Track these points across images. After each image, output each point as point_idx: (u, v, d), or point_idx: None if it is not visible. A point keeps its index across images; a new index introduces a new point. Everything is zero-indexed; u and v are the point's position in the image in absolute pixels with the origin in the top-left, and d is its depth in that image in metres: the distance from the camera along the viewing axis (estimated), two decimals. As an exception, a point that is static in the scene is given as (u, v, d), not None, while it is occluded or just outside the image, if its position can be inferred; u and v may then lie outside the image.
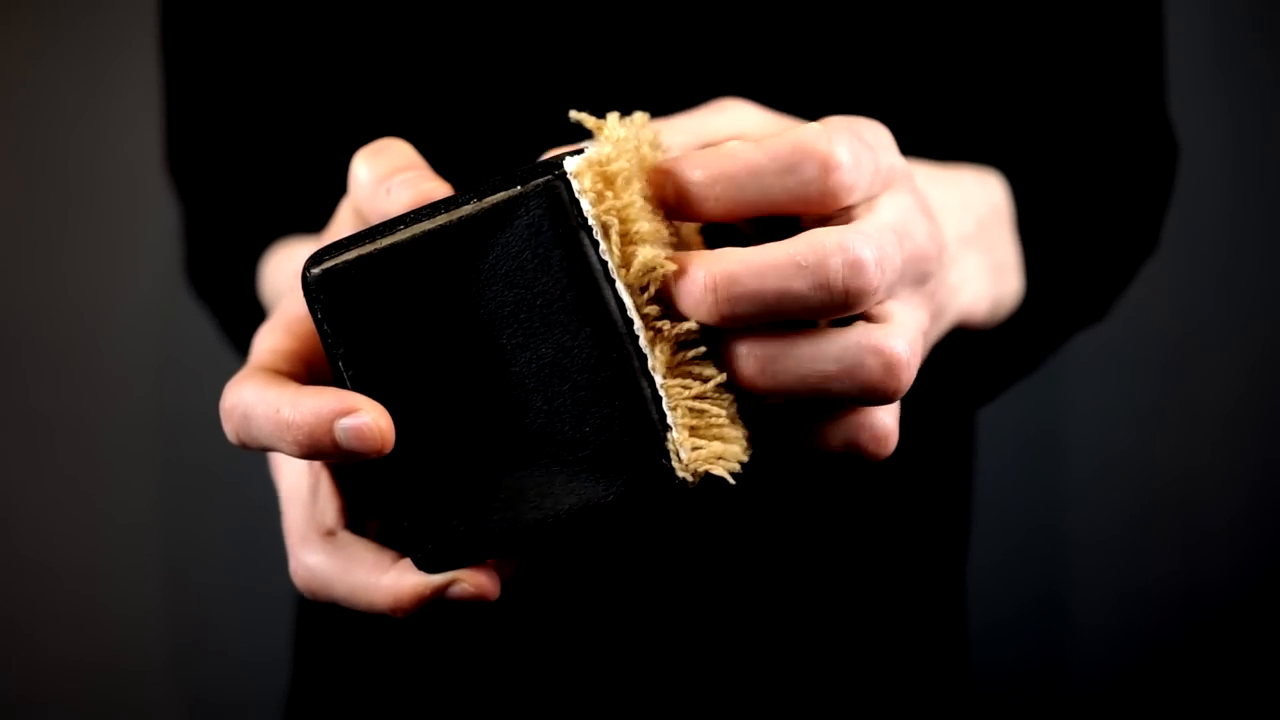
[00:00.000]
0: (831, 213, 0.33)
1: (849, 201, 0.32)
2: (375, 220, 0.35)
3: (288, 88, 0.64)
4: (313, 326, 0.36)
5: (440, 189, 0.34)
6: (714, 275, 0.31)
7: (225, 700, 1.15)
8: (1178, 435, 1.11)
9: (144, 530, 1.14)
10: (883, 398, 0.32)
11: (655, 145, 0.34)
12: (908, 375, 0.31)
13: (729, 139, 0.35)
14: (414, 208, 0.33)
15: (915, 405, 0.59)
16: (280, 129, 0.65)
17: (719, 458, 0.32)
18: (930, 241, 0.34)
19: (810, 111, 0.41)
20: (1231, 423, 1.11)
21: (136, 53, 1.08)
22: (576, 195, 0.31)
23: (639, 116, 0.34)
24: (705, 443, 0.32)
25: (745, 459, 0.32)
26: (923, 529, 0.67)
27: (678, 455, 0.32)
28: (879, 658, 0.65)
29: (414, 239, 0.32)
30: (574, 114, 0.34)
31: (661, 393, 0.32)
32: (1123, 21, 0.62)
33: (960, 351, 0.54)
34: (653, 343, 0.32)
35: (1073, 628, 1.14)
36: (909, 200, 0.34)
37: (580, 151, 0.33)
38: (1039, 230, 0.54)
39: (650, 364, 0.32)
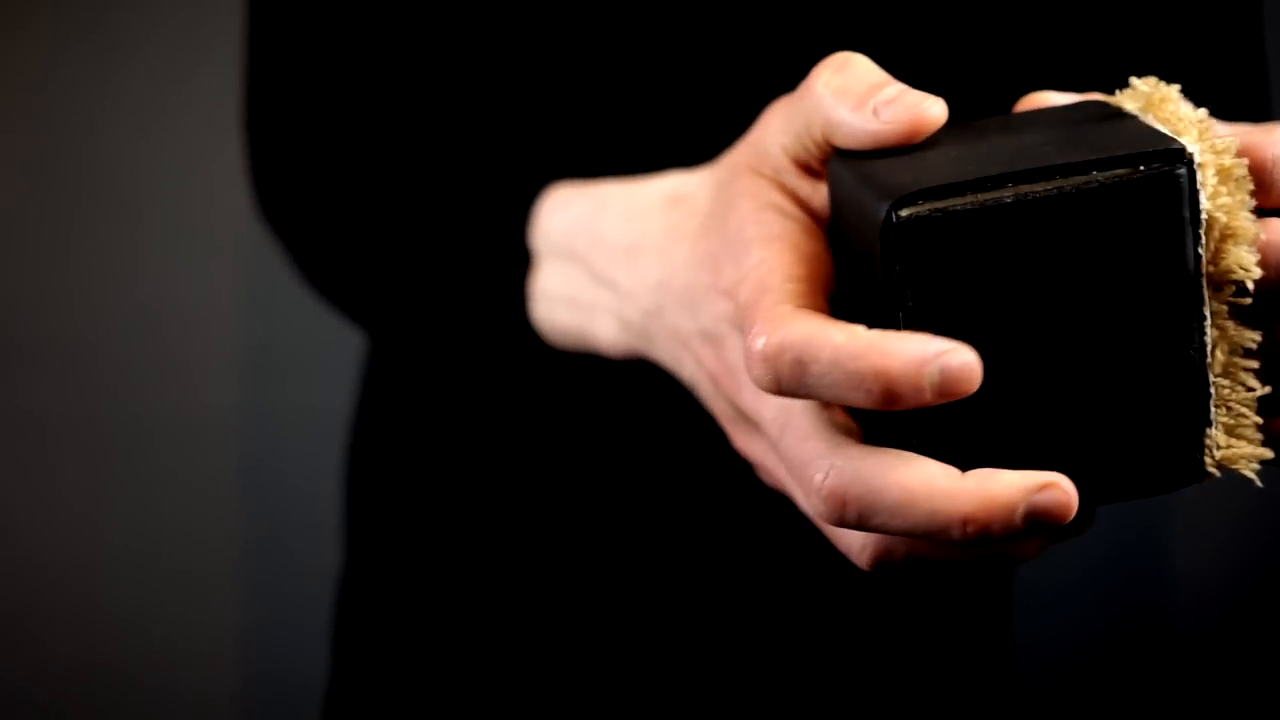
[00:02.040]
0: None
1: None
2: (845, 139, 0.33)
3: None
4: (822, 251, 0.34)
5: (941, 113, 0.32)
6: None
7: (264, 699, 1.14)
8: None
9: (186, 528, 1.14)
10: None
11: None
12: None
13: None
14: (903, 134, 0.32)
15: None
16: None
17: (1249, 456, 0.32)
18: None
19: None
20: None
21: (129, 53, 1.08)
22: (1198, 186, 0.30)
23: (1153, 82, 0.33)
24: (1237, 442, 0.32)
25: (1266, 459, 0.33)
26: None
27: (1212, 451, 0.32)
28: (920, 672, 0.65)
29: (1018, 203, 0.30)
30: (1135, 80, 0.33)
31: (1214, 391, 0.32)
32: (1226, 26, 0.62)
33: None
34: (1216, 341, 0.32)
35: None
36: None
37: (1100, 108, 0.33)
38: None
39: (1211, 361, 0.32)
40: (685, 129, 0.58)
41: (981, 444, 0.31)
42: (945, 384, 0.29)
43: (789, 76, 0.57)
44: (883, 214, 0.30)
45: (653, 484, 0.62)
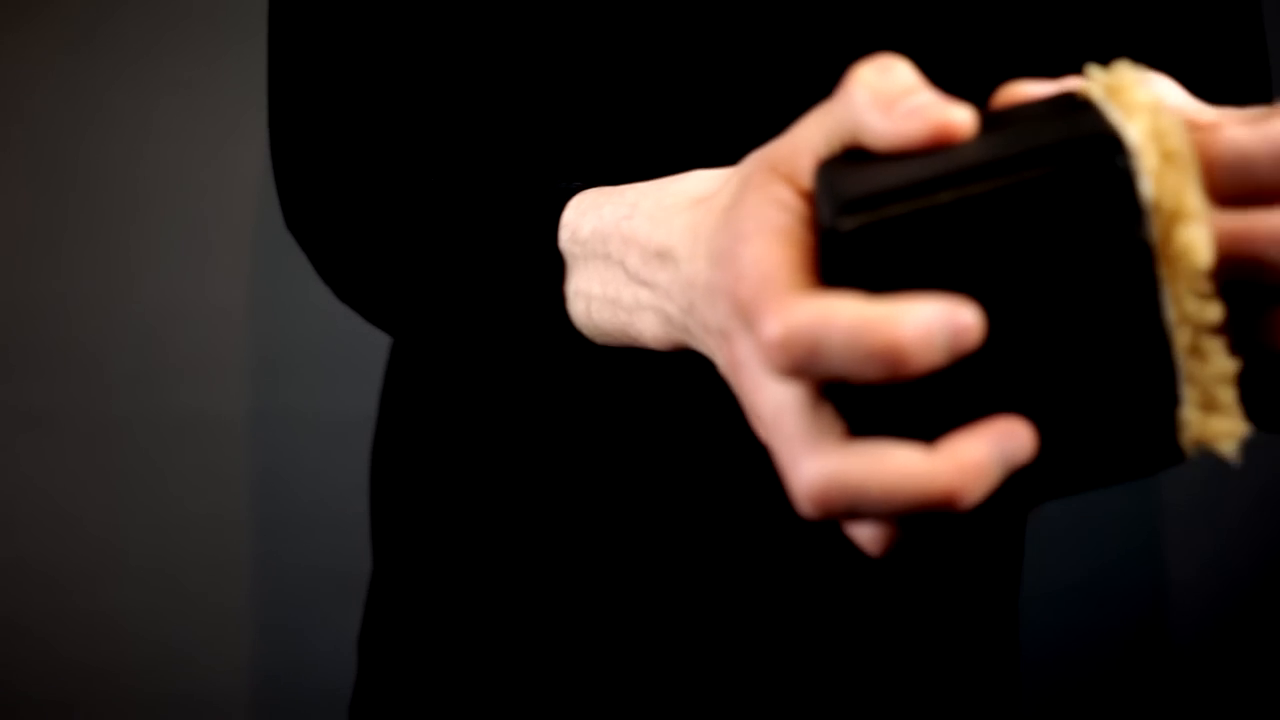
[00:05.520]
0: None
1: None
2: (879, 140, 0.33)
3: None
4: (810, 238, 0.34)
5: (965, 119, 0.32)
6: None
7: (290, 698, 1.14)
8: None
9: (215, 528, 1.15)
10: None
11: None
12: None
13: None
14: (933, 136, 0.32)
15: None
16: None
17: (1224, 434, 0.32)
18: None
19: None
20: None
21: (126, 55, 1.09)
22: (1136, 171, 0.30)
23: (1123, 67, 0.33)
24: (1212, 418, 0.32)
25: (1244, 435, 0.32)
26: (975, 547, 0.67)
27: (1188, 429, 0.32)
28: (926, 675, 0.66)
29: (959, 202, 0.30)
30: (1089, 67, 0.33)
31: (1182, 370, 0.32)
32: (1228, 22, 0.62)
33: None
34: (1179, 321, 0.32)
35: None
36: None
37: (1068, 99, 0.32)
38: None
39: (1177, 341, 0.32)
40: (704, 132, 0.59)
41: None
42: (955, 341, 0.29)
43: (808, 80, 0.58)
44: (826, 224, 0.31)
45: (674, 488, 0.62)
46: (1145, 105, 0.32)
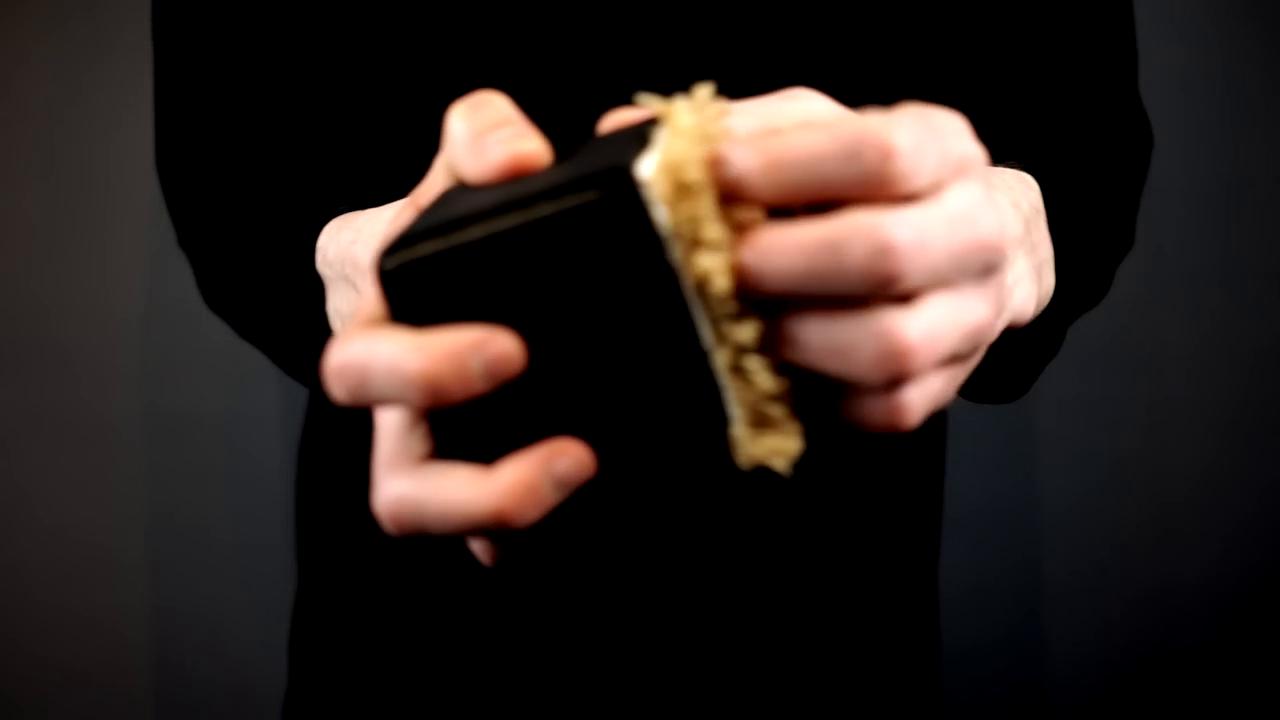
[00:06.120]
0: (895, 199, 0.32)
1: (909, 188, 0.32)
2: (470, 175, 0.34)
3: (290, 79, 0.64)
4: None
5: (535, 149, 0.34)
6: (750, 252, 0.32)
7: (224, 703, 1.14)
8: (1157, 437, 1.11)
9: (140, 533, 1.15)
10: (881, 378, 0.32)
11: (717, 123, 0.33)
12: (910, 363, 0.31)
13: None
14: (512, 165, 0.34)
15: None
16: (287, 122, 0.65)
17: (774, 452, 0.33)
18: (999, 234, 0.34)
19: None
20: (1215, 427, 1.11)
21: (125, 52, 1.09)
22: (649, 202, 0.31)
23: (703, 93, 0.34)
24: (763, 436, 0.33)
25: (799, 451, 0.33)
26: (895, 530, 0.68)
27: (738, 447, 0.33)
28: (851, 657, 0.66)
29: (487, 239, 0.32)
30: (641, 97, 0.34)
31: (726, 391, 0.33)
32: (1092, 16, 0.63)
33: (1000, 349, 0.55)
34: (716, 344, 0.32)
35: (1045, 634, 1.14)
36: (979, 190, 0.34)
37: (650, 125, 0.33)
38: (1064, 227, 0.55)
39: (716, 364, 0.32)
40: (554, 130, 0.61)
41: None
42: (491, 367, 0.31)
43: (647, 82, 0.59)
44: (375, 264, 0.33)
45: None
46: (683, 131, 0.32)
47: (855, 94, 0.60)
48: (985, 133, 0.63)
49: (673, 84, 0.59)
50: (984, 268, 0.33)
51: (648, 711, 0.63)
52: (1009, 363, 0.57)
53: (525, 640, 0.63)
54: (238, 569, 1.14)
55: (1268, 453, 1.10)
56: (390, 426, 0.34)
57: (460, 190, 0.35)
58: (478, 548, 0.36)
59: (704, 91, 0.34)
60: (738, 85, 0.58)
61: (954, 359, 0.35)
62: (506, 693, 0.64)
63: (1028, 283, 0.46)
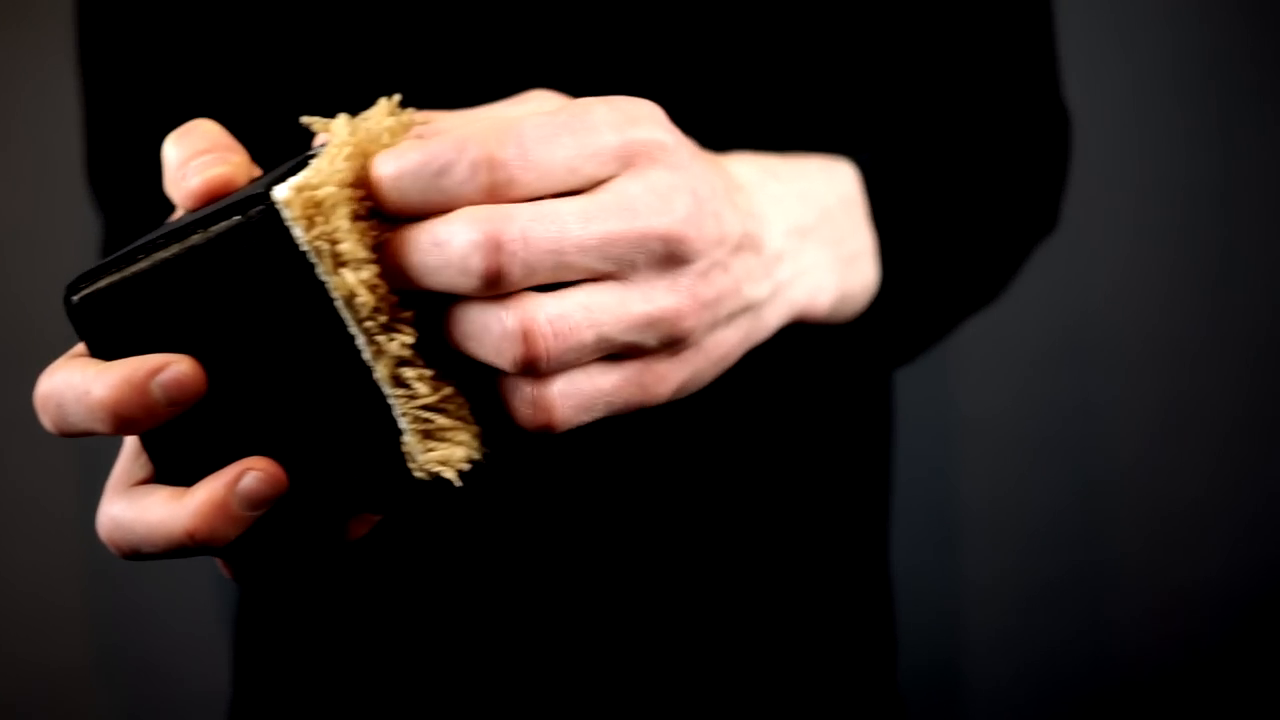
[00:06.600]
0: (518, 199, 0.32)
1: (526, 193, 0.32)
2: (178, 202, 0.35)
3: (212, 92, 0.64)
4: None
5: (224, 173, 0.35)
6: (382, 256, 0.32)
7: (166, 713, 1.15)
8: (1105, 425, 1.10)
9: (83, 538, 1.15)
10: (511, 361, 0.32)
11: (396, 135, 0.34)
12: (537, 345, 0.32)
13: None
14: (206, 191, 0.35)
15: (771, 398, 0.59)
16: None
17: (443, 461, 0.34)
18: (674, 224, 0.33)
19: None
20: (1219, 431, 1.09)
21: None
22: (287, 224, 0.32)
23: (383, 105, 0.34)
24: (435, 445, 0.34)
25: (475, 457, 0.34)
26: (841, 513, 0.66)
27: (412, 458, 0.34)
28: (801, 644, 0.65)
29: (153, 267, 0.33)
30: (304, 119, 0.35)
31: (391, 402, 0.34)
32: (1005, 7, 0.62)
33: (813, 341, 0.54)
34: (375, 358, 0.33)
35: (985, 620, 1.13)
36: (662, 179, 0.33)
37: (308, 159, 0.34)
38: (897, 217, 0.53)
39: (376, 376, 0.33)
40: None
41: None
42: (170, 392, 0.31)
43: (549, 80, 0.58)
44: (64, 298, 0.34)
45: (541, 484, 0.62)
46: (337, 149, 0.33)
47: (770, 83, 0.59)
48: (875, 114, 0.62)
49: (607, 85, 0.58)
50: (657, 258, 0.33)
51: (593, 709, 0.63)
52: (860, 350, 0.56)
53: (468, 633, 0.63)
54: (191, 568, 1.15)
55: (1273, 454, 1.08)
56: (123, 452, 0.36)
57: (178, 219, 0.36)
58: (220, 565, 0.37)
59: (383, 104, 0.34)
60: (657, 84, 0.57)
61: (631, 354, 0.34)
62: (451, 693, 0.63)
63: (821, 274, 0.45)
